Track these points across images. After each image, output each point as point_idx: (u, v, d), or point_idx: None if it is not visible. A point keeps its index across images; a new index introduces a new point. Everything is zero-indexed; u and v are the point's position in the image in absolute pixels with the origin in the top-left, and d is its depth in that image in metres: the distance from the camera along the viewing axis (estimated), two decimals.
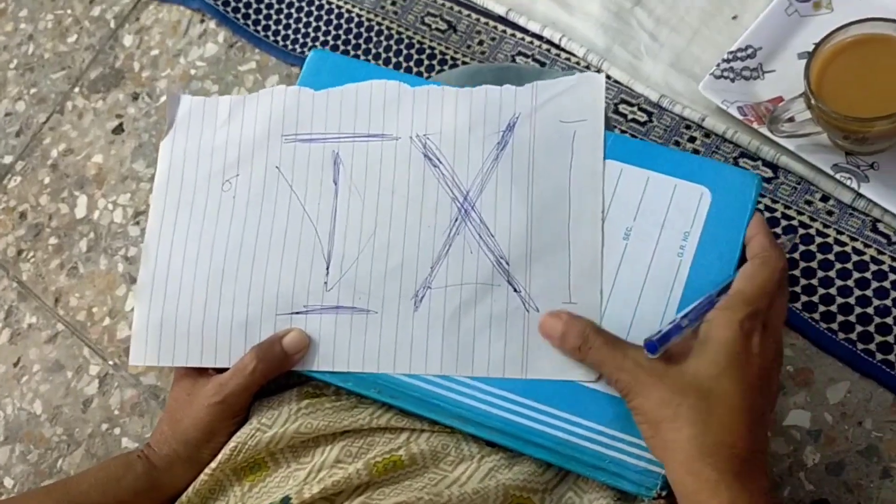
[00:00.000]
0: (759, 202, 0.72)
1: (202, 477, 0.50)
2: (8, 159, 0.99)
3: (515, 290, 0.49)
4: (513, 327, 0.49)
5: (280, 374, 0.51)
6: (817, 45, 0.65)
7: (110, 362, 0.86)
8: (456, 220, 0.52)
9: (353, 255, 0.52)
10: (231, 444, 0.50)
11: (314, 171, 0.54)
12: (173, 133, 0.57)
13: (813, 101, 0.64)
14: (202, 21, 0.98)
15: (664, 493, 0.45)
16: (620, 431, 0.46)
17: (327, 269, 0.52)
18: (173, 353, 0.52)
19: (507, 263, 0.50)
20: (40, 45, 1.05)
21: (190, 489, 0.50)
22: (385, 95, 0.55)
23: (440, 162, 0.53)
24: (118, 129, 0.96)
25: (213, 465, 0.50)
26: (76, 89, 1.00)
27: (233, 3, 0.96)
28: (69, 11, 1.06)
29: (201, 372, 0.52)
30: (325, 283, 0.52)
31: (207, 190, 0.55)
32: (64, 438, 0.84)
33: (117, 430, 0.83)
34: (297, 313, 0.52)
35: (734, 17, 0.79)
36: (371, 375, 0.50)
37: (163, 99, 0.96)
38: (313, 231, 0.53)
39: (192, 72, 0.96)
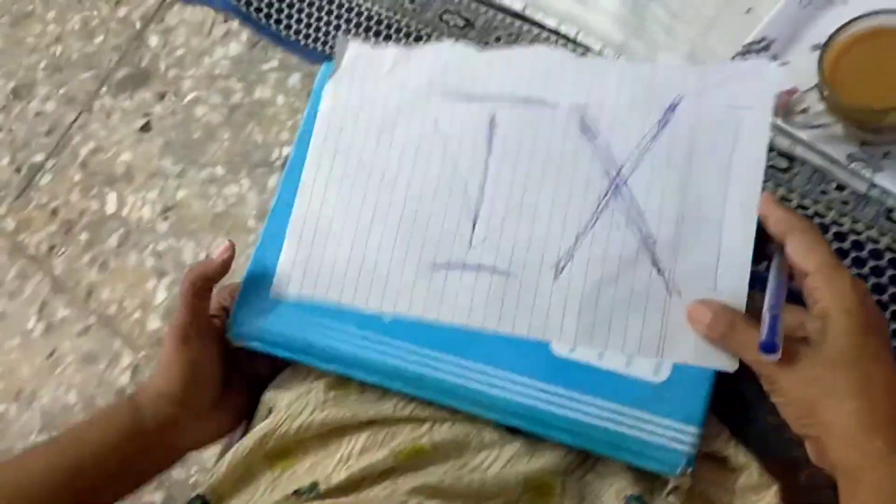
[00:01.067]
0: (775, 192, 0.74)
1: (231, 460, 0.50)
2: (39, 157, 1.01)
3: (659, 272, 0.48)
4: (652, 308, 0.48)
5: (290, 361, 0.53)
6: (831, 36, 0.66)
7: (141, 353, 0.89)
8: (606, 193, 0.51)
9: (500, 217, 0.52)
10: (260, 431, 0.51)
11: (470, 130, 0.54)
12: (338, 77, 0.58)
13: (827, 93, 0.66)
14: (225, 21, 1.00)
15: (691, 471, 0.45)
16: (641, 411, 0.46)
17: (473, 227, 0.52)
18: (314, 288, 0.53)
19: (654, 244, 0.49)
20: (68, 45, 1.07)
21: (220, 472, 0.50)
22: (549, 61, 0.55)
23: (597, 134, 0.53)
24: (145, 128, 0.99)
25: (243, 450, 0.51)
26: (104, 89, 1.03)
27: (255, 3, 0.98)
28: (95, 13, 1.08)
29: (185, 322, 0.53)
30: (470, 240, 0.52)
31: (365, 137, 0.55)
32: None
33: None
34: (439, 265, 0.52)
35: (748, 10, 0.80)
36: (395, 369, 0.50)
37: (188, 97, 0.98)
38: (463, 188, 0.53)
39: (217, 71, 0.98)
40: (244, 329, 0.54)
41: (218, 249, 0.54)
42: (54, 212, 0.98)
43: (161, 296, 0.90)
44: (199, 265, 0.53)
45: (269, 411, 0.54)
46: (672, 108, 0.52)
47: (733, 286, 0.47)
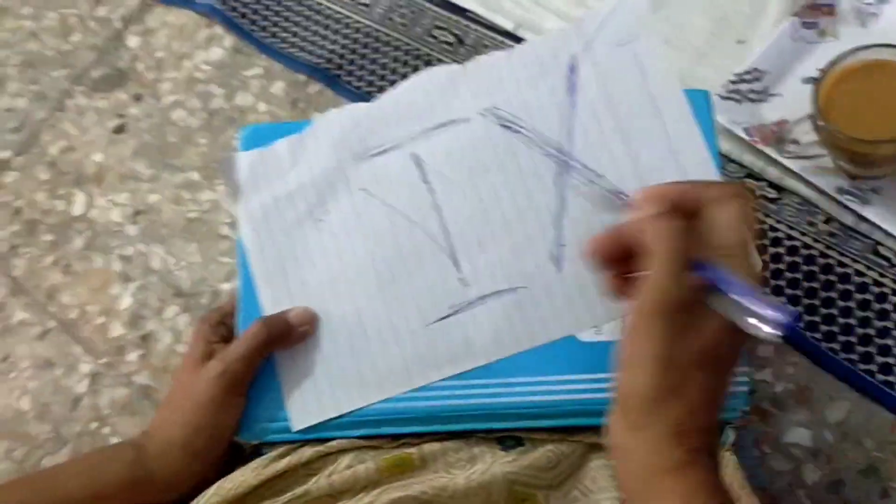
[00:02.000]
0: (764, 223, 0.73)
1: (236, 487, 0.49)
2: (5, 154, 0.98)
3: None
4: None
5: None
6: (826, 68, 0.67)
7: (101, 361, 0.85)
8: (559, 174, 0.51)
9: (475, 243, 0.51)
10: (254, 469, 0.49)
11: (400, 178, 0.53)
12: (245, 194, 0.56)
13: (820, 123, 0.66)
14: (209, 26, 0.98)
15: (747, 409, 0.46)
16: None
17: (457, 266, 0.51)
18: (335, 402, 0.51)
19: (626, 195, 0.49)
20: (43, 42, 1.04)
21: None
22: (437, 82, 0.54)
23: (520, 127, 0.53)
24: (119, 129, 0.96)
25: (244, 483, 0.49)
26: (78, 88, 1.00)
27: (240, 9, 0.96)
28: (74, 11, 1.05)
29: (205, 353, 0.52)
30: (461, 279, 0.51)
31: (304, 236, 0.53)
32: (51, 436, 0.83)
33: (107, 430, 0.82)
34: (446, 318, 0.51)
35: (740, 42, 0.80)
36: (427, 413, 0.50)
37: (165, 100, 0.95)
38: (425, 236, 0.52)
39: (198, 75, 0.96)
40: (259, 432, 0.52)
41: (297, 314, 0.52)
42: (17, 211, 0.94)
43: (126, 302, 0.87)
44: (280, 319, 0.51)
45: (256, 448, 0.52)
46: (572, 70, 0.53)
47: (702, 170, 0.49)
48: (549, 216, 0.51)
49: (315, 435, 0.51)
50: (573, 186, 0.51)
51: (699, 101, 0.51)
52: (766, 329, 0.35)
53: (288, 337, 0.52)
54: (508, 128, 0.53)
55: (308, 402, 0.51)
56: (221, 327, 0.54)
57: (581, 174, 0.51)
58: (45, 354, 0.87)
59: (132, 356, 0.84)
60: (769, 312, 0.35)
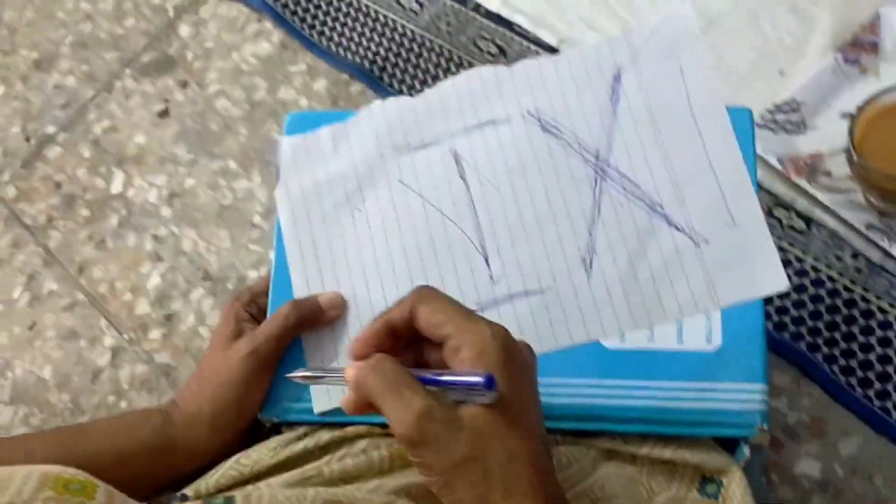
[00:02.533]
0: (790, 252, 0.73)
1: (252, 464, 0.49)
2: (51, 129, 1.00)
3: (678, 229, 0.49)
4: (689, 264, 0.48)
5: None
6: (864, 103, 0.67)
7: (125, 336, 0.87)
8: (595, 181, 0.52)
9: (507, 242, 0.52)
10: (272, 448, 0.51)
11: (438, 173, 0.54)
12: (284, 178, 0.57)
13: (855, 157, 0.66)
14: (259, 21, 1.01)
15: (767, 428, 0.46)
16: (704, 382, 0.47)
17: (487, 262, 0.52)
18: None
19: (661, 206, 0.50)
20: (98, 25, 1.07)
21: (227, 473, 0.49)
22: (482, 81, 0.55)
23: (560, 131, 0.53)
24: (163, 114, 0.98)
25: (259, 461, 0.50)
26: (127, 70, 1.02)
27: (291, 6, 0.98)
28: None
29: (235, 332, 0.53)
30: (490, 276, 0.52)
31: (340, 223, 0.54)
32: (69, 406, 0.84)
33: (124, 404, 0.83)
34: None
35: (781, 72, 0.80)
36: None
37: (210, 89, 0.98)
38: (459, 231, 0.53)
39: (244, 67, 0.98)
40: (282, 411, 0.53)
41: (327, 298, 0.53)
42: (58, 185, 0.97)
43: (154, 281, 0.88)
44: (311, 302, 0.52)
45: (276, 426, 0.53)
46: (616, 79, 0.53)
47: (749, 213, 0.48)
48: (582, 221, 0.51)
49: (336, 419, 0.52)
50: (609, 193, 0.51)
51: (741, 120, 0.52)
52: (481, 395, 0.38)
53: (317, 320, 0.53)
54: (549, 131, 0.53)
55: (332, 387, 0.52)
56: (253, 306, 0.55)
57: (617, 182, 0.51)
58: (71, 326, 0.89)
59: (155, 334, 0.86)
60: (468, 380, 0.38)
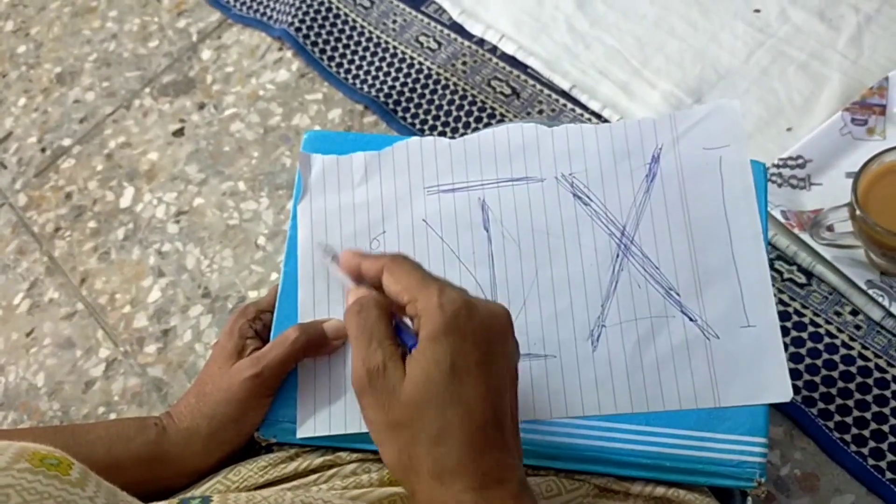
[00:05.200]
0: (790, 305, 0.73)
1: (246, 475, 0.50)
2: (67, 142, 1.02)
3: (691, 320, 0.49)
4: (696, 357, 0.48)
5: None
6: (869, 160, 0.68)
7: (121, 348, 0.86)
8: (617, 256, 0.51)
9: (519, 300, 0.51)
10: (262, 468, 0.50)
11: (463, 219, 0.54)
12: (310, 194, 0.57)
13: (857, 212, 0.66)
14: (280, 49, 1.03)
15: (763, 480, 0.46)
16: (706, 431, 0.47)
17: None
18: (345, 419, 0.51)
19: (678, 294, 0.49)
20: (122, 44, 1.09)
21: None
22: (523, 138, 0.56)
23: (591, 199, 0.53)
24: (178, 133, 0.99)
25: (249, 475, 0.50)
26: (146, 90, 1.04)
27: (312, 38, 1.00)
28: (156, 19, 1.11)
29: (238, 348, 0.52)
30: None
31: (356, 246, 0.54)
32: (59, 414, 0.84)
33: (113, 416, 0.83)
34: None
35: (789, 129, 0.81)
36: None
37: (227, 112, 0.99)
38: (473, 281, 0.52)
39: (261, 92, 1.00)
40: (278, 431, 0.52)
41: (333, 326, 0.52)
42: (68, 195, 0.98)
43: (154, 295, 0.89)
44: (318, 327, 0.52)
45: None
46: (655, 159, 0.53)
47: (765, 317, 0.48)
48: (597, 293, 0.50)
49: (325, 443, 0.51)
50: (628, 270, 0.51)
51: (755, 173, 0.52)
52: None
53: (322, 347, 0.52)
54: (580, 197, 0.53)
55: (319, 413, 0.51)
56: (257, 322, 0.54)
57: (638, 261, 0.51)
58: (68, 335, 0.89)
59: (150, 348, 0.86)
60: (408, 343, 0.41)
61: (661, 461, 0.47)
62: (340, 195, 0.57)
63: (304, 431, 0.51)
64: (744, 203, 0.51)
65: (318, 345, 0.52)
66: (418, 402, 0.38)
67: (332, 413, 0.51)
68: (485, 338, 0.39)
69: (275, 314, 0.55)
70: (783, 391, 0.46)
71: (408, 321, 0.42)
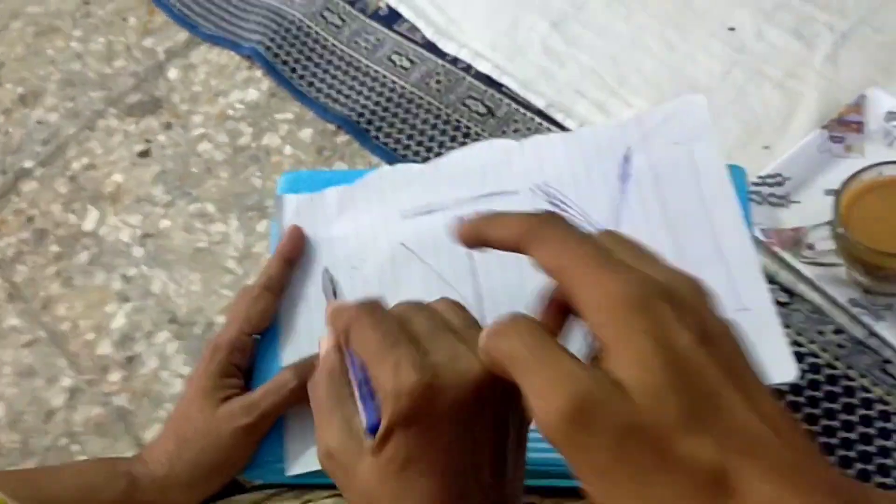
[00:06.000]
0: None
1: None
2: (29, 164, 0.99)
3: None
4: None
5: None
6: (849, 178, 0.67)
7: (84, 377, 0.83)
8: None
9: (507, 311, 0.50)
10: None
11: (442, 239, 0.53)
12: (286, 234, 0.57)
13: (839, 230, 0.65)
14: (250, 68, 1.01)
15: None
16: None
17: None
18: None
19: None
20: (87, 64, 1.07)
21: None
22: (493, 154, 0.55)
23: (568, 206, 0.53)
24: (144, 154, 0.97)
25: None
26: (112, 110, 1.01)
27: (283, 56, 0.98)
28: (122, 39, 1.08)
29: (219, 388, 0.50)
30: None
31: (337, 281, 0.53)
32: (18, 446, 0.80)
33: (76, 447, 0.79)
34: None
35: (766, 147, 0.81)
36: None
37: (195, 132, 0.97)
38: (458, 297, 0.52)
39: (230, 112, 0.97)
40: (266, 472, 0.51)
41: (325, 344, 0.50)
42: (30, 219, 0.94)
43: (119, 321, 0.86)
44: (310, 366, 0.48)
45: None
46: (626, 160, 0.54)
47: (759, 300, 0.48)
48: None
49: (314, 480, 0.49)
50: None
51: (737, 177, 0.53)
52: None
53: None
54: (556, 205, 0.53)
55: (308, 448, 0.50)
56: (235, 354, 0.52)
57: None
58: (30, 363, 0.85)
59: (115, 376, 0.83)
60: (364, 418, 0.36)
61: None
62: (317, 231, 0.56)
63: (295, 468, 0.50)
64: (720, 192, 0.51)
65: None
66: (370, 490, 0.35)
67: None
68: (452, 419, 0.34)
69: (259, 346, 0.54)
70: (788, 370, 0.46)
71: None
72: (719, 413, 0.26)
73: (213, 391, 0.49)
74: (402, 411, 0.33)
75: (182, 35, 1.06)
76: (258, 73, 1.00)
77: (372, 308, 0.36)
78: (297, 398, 0.49)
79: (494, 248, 0.35)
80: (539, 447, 0.47)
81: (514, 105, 0.90)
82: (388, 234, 0.54)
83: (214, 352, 0.51)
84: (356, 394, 0.36)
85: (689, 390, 0.26)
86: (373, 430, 0.34)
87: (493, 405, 0.35)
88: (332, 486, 0.49)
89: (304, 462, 0.49)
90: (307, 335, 0.54)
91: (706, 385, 0.26)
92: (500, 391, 0.35)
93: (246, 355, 0.53)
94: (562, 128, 0.87)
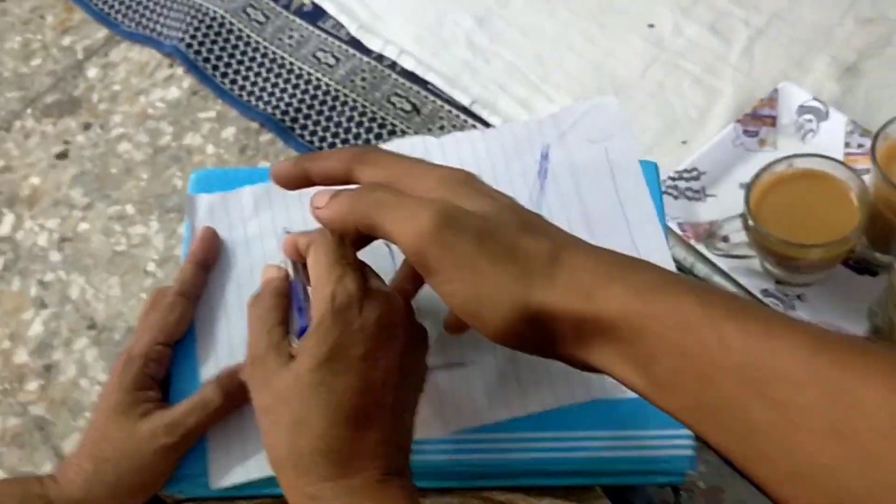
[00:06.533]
0: None
1: None
2: None
3: None
4: None
5: None
6: (761, 170, 0.68)
7: (0, 386, 0.81)
8: None
9: (433, 311, 0.49)
10: None
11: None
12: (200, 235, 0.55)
13: (751, 222, 0.66)
14: (171, 66, 0.99)
15: (693, 472, 0.47)
16: (634, 430, 0.47)
17: None
18: (262, 462, 0.48)
19: None
20: (2, 63, 1.04)
21: None
22: (412, 150, 0.55)
23: None
24: (62, 155, 0.94)
25: None
26: (28, 110, 0.99)
27: (204, 54, 0.97)
28: (39, 37, 1.05)
29: (136, 403, 0.48)
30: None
31: (254, 284, 0.52)
32: None
33: None
34: None
35: (684, 142, 0.82)
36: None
37: (114, 132, 0.95)
38: None
39: (150, 111, 0.95)
40: (186, 487, 0.49)
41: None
42: None
43: (36, 329, 0.83)
44: (235, 378, 0.49)
45: None
46: (545, 156, 0.55)
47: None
48: None
49: (238, 493, 0.48)
50: None
51: (647, 172, 0.54)
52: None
53: (240, 402, 0.48)
54: None
55: (234, 459, 0.48)
56: (150, 365, 0.50)
57: None
58: None
59: (32, 385, 0.80)
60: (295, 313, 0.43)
61: (592, 466, 0.47)
62: (232, 232, 0.55)
63: (220, 481, 0.48)
64: (635, 188, 0.53)
65: (237, 398, 0.48)
66: (285, 388, 0.38)
67: (249, 456, 0.49)
68: (375, 331, 0.39)
69: (174, 359, 0.52)
70: None
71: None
72: (547, 226, 0.39)
73: (129, 406, 0.47)
74: (335, 309, 0.38)
75: (101, 33, 1.04)
76: (179, 70, 0.98)
77: (329, 236, 0.42)
78: (221, 414, 0.48)
79: (319, 183, 0.42)
80: (474, 448, 0.47)
81: (439, 102, 0.90)
82: (307, 231, 0.54)
83: (128, 363, 0.49)
84: (293, 308, 0.42)
85: (521, 212, 0.39)
86: (301, 333, 0.40)
87: (406, 340, 0.41)
88: (258, 496, 0.48)
89: (230, 475, 0.48)
90: (226, 343, 0.52)
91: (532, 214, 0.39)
92: (416, 332, 0.42)
93: (162, 366, 0.51)
94: (486, 124, 0.87)
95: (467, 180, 0.39)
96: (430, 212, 0.35)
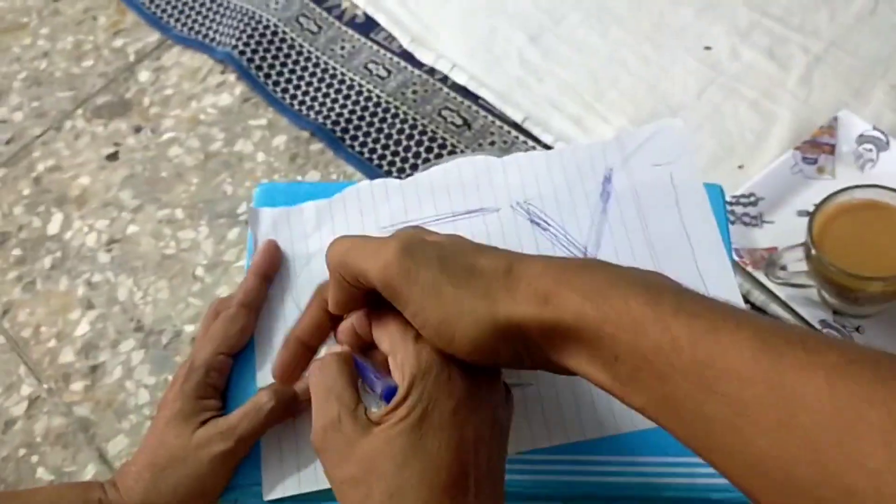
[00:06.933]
0: None
1: None
2: None
3: None
4: None
5: None
6: (823, 201, 0.67)
7: (45, 385, 0.81)
8: None
9: None
10: None
11: None
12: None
13: (813, 252, 0.66)
14: (223, 72, 0.99)
15: None
16: (687, 456, 0.47)
17: None
18: (316, 474, 0.48)
19: None
20: (54, 63, 1.04)
21: None
22: (474, 170, 0.55)
23: (549, 224, 0.53)
24: (112, 157, 0.95)
25: None
26: (79, 111, 0.99)
27: (256, 61, 0.97)
28: (91, 38, 1.06)
29: (196, 411, 0.48)
30: None
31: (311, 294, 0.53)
32: None
33: (35, 458, 0.77)
34: None
35: (740, 166, 0.81)
36: None
37: (165, 136, 0.95)
38: None
39: (202, 117, 0.96)
40: (241, 496, 0.49)
41: (303, 386, 0.49)
42: None
43: (83, 329, 0.83)
44: (288, 390, 0.49)
45: None
46: (607, 179, 0.54)
47: (727, 295, 0.47)
48: None
49: None
50: None
51: (714, 196, 0.54)
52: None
53: (293, 409, 0.49)
54: (537, 224, 0.53)
55: (287, 471, 0.48)
56: (211, 374, 0.50)
57: None
58: None
59: (77, 386, 0.81)
60: (378, 386, 0.40)
61: (648, 491, 0.46)
62: (294, 246, 0.55)
63: (272, 493, 0.48)
64: (699, 214, 0.52)
65: (289, 408, 0.49)
66: (374, 457, 0.36)
67: (302, 469, 0.49)
68: (465, 385, 0.37)
69: (234, 370, 0.52)
70: None
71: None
72: (498, 248, 0.39)
73: (190, 414, 0.48)
74: (423, 365, 0.37)
75: (153, 36, 1.04)
76: (232, 77, 0.98)
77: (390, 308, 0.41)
78: (275, 419, 0.48)
79: (312, 337, 0.45)
80: (540, 469, 0.47)
81: (490, 117, 0.90)
82: None
83: (190, 372, 0.50)
84: (364, 376, 0.41)
85: (471, 240, 0.40)
86: (387, 395, 0.38)
87: (490, 388, 0.39)
88: None
89: (282, 487, 0.48)
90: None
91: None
92: (498, 385, 0.40)
93: (223, 376, 0.51)
94: (538, 141, 0.87)
95: (417, 227, 0.42)
96: (393, 243, 0.37)
